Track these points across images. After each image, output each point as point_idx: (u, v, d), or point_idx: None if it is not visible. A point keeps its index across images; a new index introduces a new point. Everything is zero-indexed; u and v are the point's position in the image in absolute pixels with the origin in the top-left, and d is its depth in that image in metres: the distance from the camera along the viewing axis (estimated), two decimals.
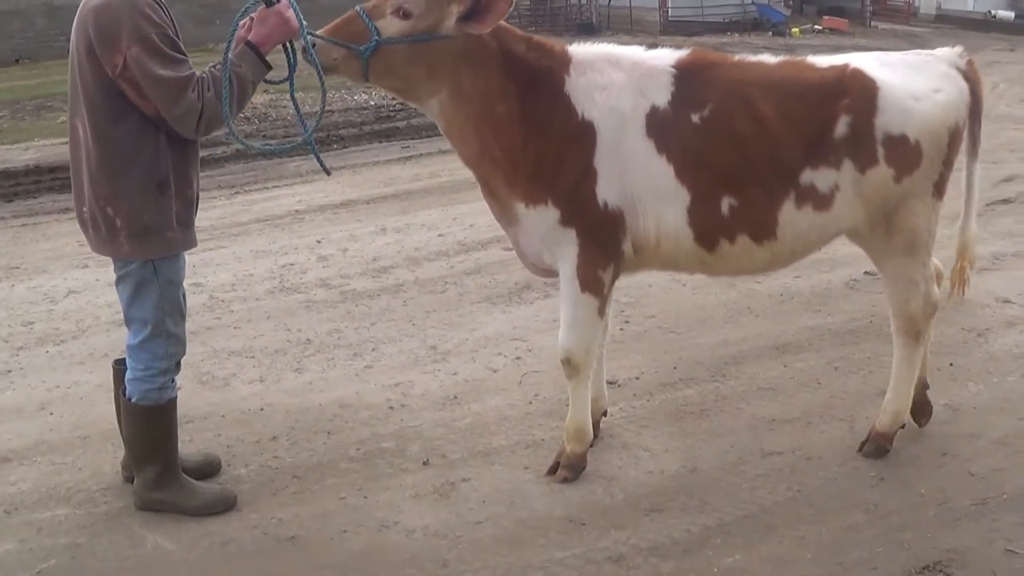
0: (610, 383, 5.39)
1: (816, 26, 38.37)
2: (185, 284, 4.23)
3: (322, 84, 3.96)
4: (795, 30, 36.53)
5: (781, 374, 5.54)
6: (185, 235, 4.05)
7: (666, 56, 4.29)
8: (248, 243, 8.67)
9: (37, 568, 3.96)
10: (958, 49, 4.52)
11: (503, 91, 4.10)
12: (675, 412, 5.12)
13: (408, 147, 13.37)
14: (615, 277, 4.35)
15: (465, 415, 5.15)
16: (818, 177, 4.21)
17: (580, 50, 4.27)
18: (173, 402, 4.21)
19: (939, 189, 4.37)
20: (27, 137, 13.77)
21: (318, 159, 4.24)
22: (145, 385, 4.10)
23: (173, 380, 4.21)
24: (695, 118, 4.14)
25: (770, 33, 36.31)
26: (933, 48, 4.58)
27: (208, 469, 4.57)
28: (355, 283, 7.39)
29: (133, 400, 4.13)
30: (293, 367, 5.84)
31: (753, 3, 39.09)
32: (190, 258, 7.76)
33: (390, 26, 3.94)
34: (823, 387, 5.35)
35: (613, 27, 39.51)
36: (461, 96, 4.09)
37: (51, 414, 5.30)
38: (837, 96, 4.19)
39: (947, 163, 4.35)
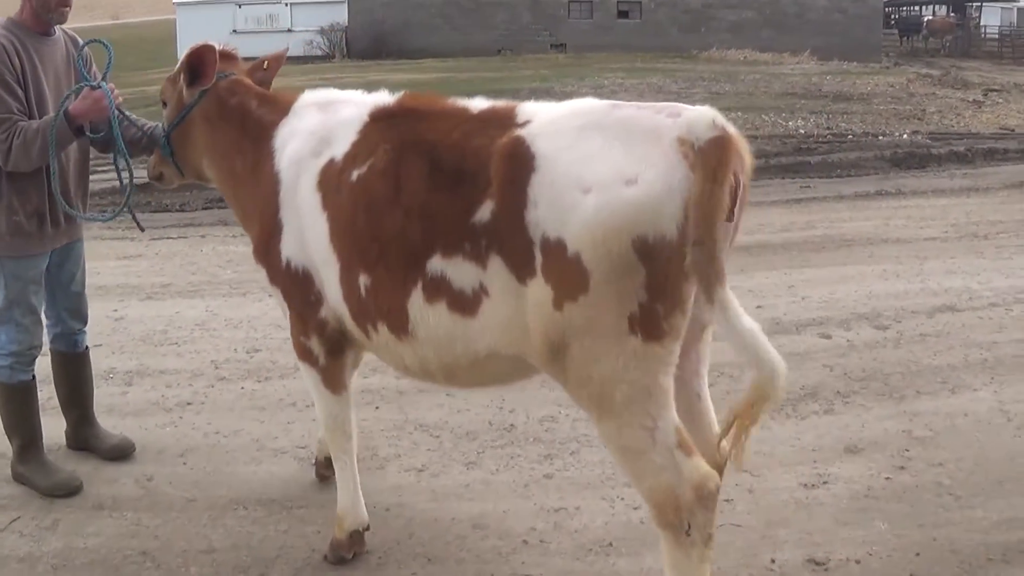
0: (818, 563, 3.97)
1: None
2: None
3: (127, 160, 4.51)
4: None
5: None
6: (16, 241, 4.48)
7: (371, 100, 3.75)
8: None
9: None
10: (711, 114, 2.89)
11: (239, 146, 4.08)
12: None
13: (808, 187, 11.91)
14: (331, 351, 3.88)
15: (604, 573, 3.98)
16: (451, 269, 3.26)
17: (307, 96, 4.01)
18: (25, 386, 4.67)
19: (644, 327, 2.93)
20: None
21: (134, 218, 4.78)
22: None
23: (26, 367, 4.64)
24: (354, 175, 3.55)
25: None
26: None
27: (119, 452, 5.01)
28: None
29: None
30: (469, 459, 5.00)
31: None
32: None
33: (165, 120, 4.39)
34: None
35: None
36: (215, 157, 4.21)
37: None
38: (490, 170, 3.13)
39: (653, 291, 2.90)
